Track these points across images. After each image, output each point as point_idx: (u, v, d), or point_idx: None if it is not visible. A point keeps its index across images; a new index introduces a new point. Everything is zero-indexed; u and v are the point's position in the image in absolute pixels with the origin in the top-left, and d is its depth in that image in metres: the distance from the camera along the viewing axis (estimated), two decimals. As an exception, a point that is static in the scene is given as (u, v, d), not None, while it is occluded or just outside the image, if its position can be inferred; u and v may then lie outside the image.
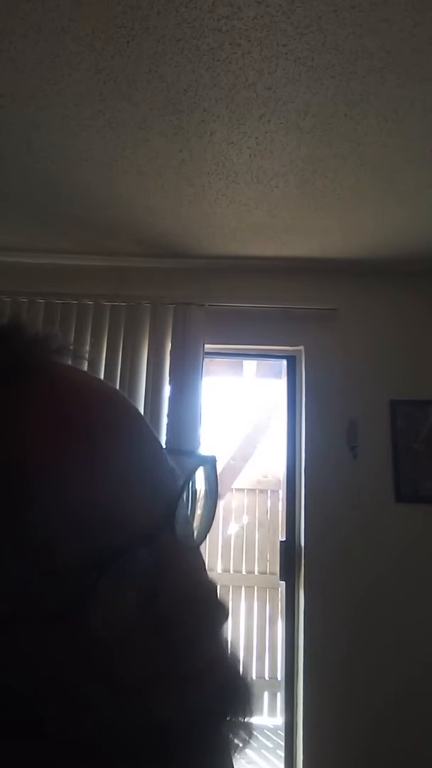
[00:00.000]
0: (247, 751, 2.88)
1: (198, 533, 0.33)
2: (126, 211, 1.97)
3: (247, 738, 0.30)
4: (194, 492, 0.33)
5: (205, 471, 0.34)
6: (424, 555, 2.13)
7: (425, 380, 2.27)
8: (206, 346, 2.26)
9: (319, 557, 2.15)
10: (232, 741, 0.30)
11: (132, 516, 0.27)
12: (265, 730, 3.16)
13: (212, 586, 0.30)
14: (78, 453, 0.26)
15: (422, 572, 2.12)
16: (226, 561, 3.77)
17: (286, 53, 1.22)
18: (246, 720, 0.30)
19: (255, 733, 3.06)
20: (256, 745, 2.99)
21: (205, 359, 2.26)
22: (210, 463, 0.34)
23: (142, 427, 0.31)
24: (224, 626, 0.31)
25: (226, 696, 0.29)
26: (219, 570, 3.74)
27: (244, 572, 3.73)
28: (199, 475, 0.33)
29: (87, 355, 2.13)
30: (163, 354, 2.23)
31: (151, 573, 0.27)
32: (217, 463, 0.34)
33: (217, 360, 2.84)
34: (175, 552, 0.28)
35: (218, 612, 0.29)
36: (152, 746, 0.27)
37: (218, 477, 0.34)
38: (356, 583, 2.11)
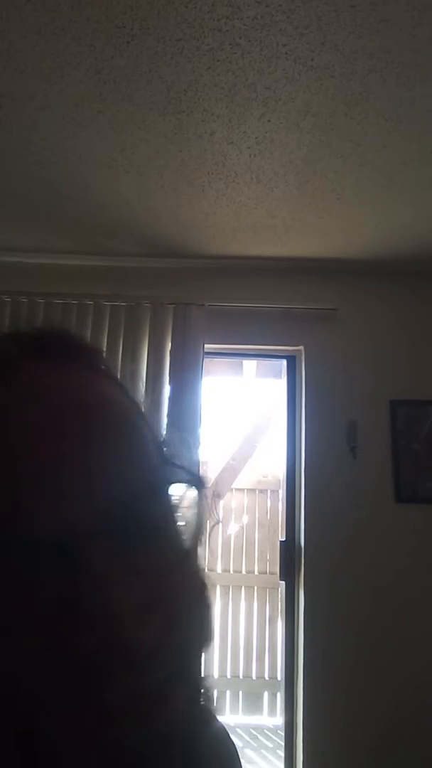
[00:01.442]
0: (247, 751, 2.88)
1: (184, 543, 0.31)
2: (126, 211, 1.97)
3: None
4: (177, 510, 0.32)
5: (193, 489, 0.32)
6: (423, 555, 2.13)
7: (425, 380, 2.27)
8: (206, 346, 2.26)
9: (319, 557, 2.15)
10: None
11: (46, 511, 0.25)
12: (265, 730, 3.16)
13: (139, 619, 0.25)
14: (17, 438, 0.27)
15: (422, 572, 2.12)
16: (226, 561, 3.77)
17: (286, 53, 1.22)
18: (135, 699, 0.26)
19: (255, 733, 3.05)
20: (256, 745, 3.00)
21: (205, 359, 2.26)
22: (196, 484, 0.32)
23: (112, 432, 0.30)
24: (156, 660, 0.26)
25: (161, 749, 0.26)
26: (219, 570, 3.74)
27: (244, 572, 3.73)
28: (186, 496, 0.32)
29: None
30: (163, 354, 2.23)
31: (64, 585, 0.25)
32: (204, 490, 0.32)
33: (217, 360, 2.84)
34: (101, 569, 0.25)
35: (140, 642, 0.25)
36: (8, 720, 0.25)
37: (204, 505, 0.32)
38: (356, 583, 2.11)
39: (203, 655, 0.34)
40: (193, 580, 0.31)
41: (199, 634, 0.31)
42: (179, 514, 0.31)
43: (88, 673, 0.24)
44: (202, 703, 0.31)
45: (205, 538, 0.32)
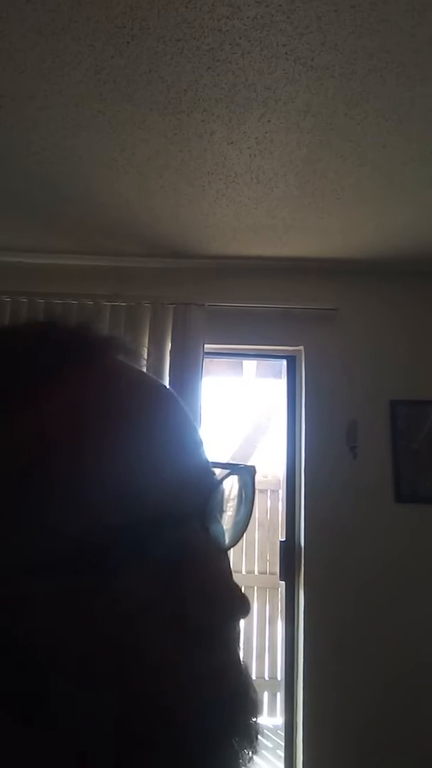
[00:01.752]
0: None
1: (230, 537, 0.33)
2: (126, 211, 1.97)
3: (252, 756, 0.29)
4: (229, 496, 0.33)
5: (242, 478, 0.34)
6: (423, 555, 2.13)
7: (425, 380, 2.27)
8: (206, 346, 2.26)
9: (318, 557, 2.15)
10: (243, 755, 0.29)
11: (159, 495, 0.27)
12: (265, 730, 3.16)
13: (235, 588, 0.29)
14: (115, 426, 0.28)
15: (422, 572, 2.12)
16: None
17: (286, 53, 1.22)
18: (255, 735, 0.29)
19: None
20: (256, 745, 2.99)
21: (205, 359, 2.26)
22: (249, 472, 0.34)
23: (183, 419, 0.32)
24: (239, 632, 0.30)
25: (240, 705, 0.29)
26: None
27: (244, 572, 3.73)
28: (236, 481, 0.34)
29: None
30: (163, 354, 2.23)
31: (174, 557, 0.27)
32: (254, 474, 0.35)
33: (217, 360, 2.84)
34: (202, 544, 0.28)
35: (237, 615, 0.29)
36: (168, 748, 0.26)
37: (255, 487, 0.34)
38: (356, 583, 2.11)
39: None
40: None
41: None
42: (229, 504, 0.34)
43: (195, 638, 0.27)
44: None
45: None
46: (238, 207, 1.91)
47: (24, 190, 1.86)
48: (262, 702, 3.40)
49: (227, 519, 0.33)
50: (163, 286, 2.32)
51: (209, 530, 0.29)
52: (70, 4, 1.11)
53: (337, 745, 2.01)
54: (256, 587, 3.69)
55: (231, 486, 0.33)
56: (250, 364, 3.19)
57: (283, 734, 2.17)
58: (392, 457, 2.20)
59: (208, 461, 0.32)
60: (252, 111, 1.41)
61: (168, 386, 0.34)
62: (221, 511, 0.32)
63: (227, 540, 0.33)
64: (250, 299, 2.30)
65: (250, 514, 0.34)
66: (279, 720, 3.00)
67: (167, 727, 0.26)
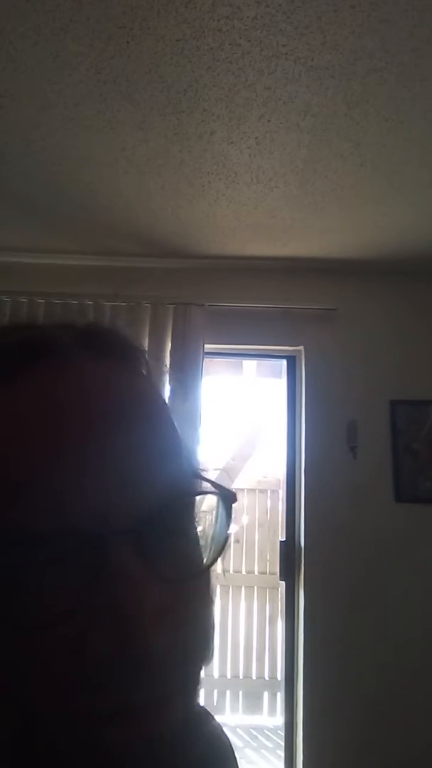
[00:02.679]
0: (247, 751, 2.88)
1: (208, 558, 0.31)
2: (126, 211, 1.97)
3: None
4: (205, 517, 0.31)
5: (220, 501, 0.31)
6: (423, 555, 2.13)
7: (425, 380, 2.27)
8: (206, 346, 2.26)
9: (318, 557, 2.15)
10: None
11: (78, 512, 0.25)
12: (265, 730, 3.16)
13: (141, 628, 0.24)
14: (44, 437, 0.27)
15: (422, 572, 2.12)
16: (226, 561, 3.76)
17: (286, 53, 1.22)
18: None
19: (255, 733, 3.05)
20: (256, 745, 3.00)
21: (205, 359, 2.26)
22: (226, 497, 0.31)
23: (141, 433, 0.29)
24: (163, 670, 0.25)
25: (155, 758, 0.25)
26: (219, 570, 3.74)
27: (244, 572, 3.73)
28: (214, 502, 0.31)
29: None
30: (163, 354, 2.23)
31: (89, 579, 0.24)
32: (234, 502, 0.31)
33: (217, 360, 2.84)
34: (124, 569, 0.25)
35: (152, 648, 0.24)
36: None
37: (231, 516, 0.31)
38: (356, 583, 2.11)
39: (203, 669, 0.34)
40: (207, 595, 0.31)
41: (203, 649, 0.31)
42: (201, 526, 0.31)
43: (95, 671, 0.24)
44: (197, 713, 0.30)
45: (226, 553, 0.31)
46: (238, 207, 1.91)
47: (24, 190, 1.86)
48: (260, 698, 3.40)
49: (207, 539, 0.31)
50: (163, 286, 2.32)
51: (147, 554, 0.26)
52: (70, 4, 1.11)
53: (337, 745, 2.01)
54: (256, 587, 3.69)
55: (206, 506, 0.31)
56: (250, 364, 3.19)
57: (283, 734, 2.17)
58: (392, 457, 2.20)
59: (176, 478, 0.29)
60: (252, 111, 1.41)
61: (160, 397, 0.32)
62: (177, 533, 0.29)
63: (198, 565, 0.30)
64: (250, 299, 2.30)
65: (224, 544, 0.30)
66: (279, 720, 3.00)
67: None
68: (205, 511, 0.31)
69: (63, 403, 0.28)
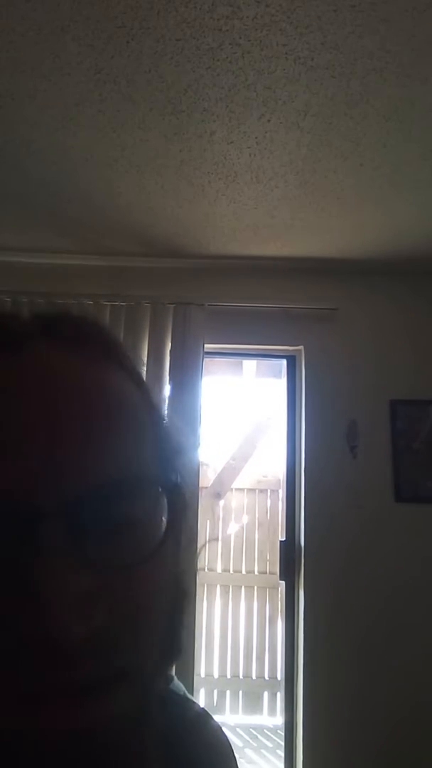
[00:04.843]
0: (247, 751, 2.88)
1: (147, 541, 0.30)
2: (126, 211, 1.97)
3: None
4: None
5: (163, 498, 0.30)
6: (423, 555, 2.13)
7: (425, 380, 2.27)
8: (206, 345, 2.26)
9: (318, 557, 2.15)
10: None
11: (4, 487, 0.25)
12: (265, 730, 3.16)
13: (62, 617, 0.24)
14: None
15: (422, 572, 2.12)
16: (226, 561, 3.77)
17: (286, 53, 1.22)
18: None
19: (255, 732, 3.05)
20: (256, 745, 3.00)
21: (205, 359, 2.26)
22: (170, 491, 0.30)
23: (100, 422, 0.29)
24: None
25: None
26: (219, 570, 3.74)
27: (244, 572, 3.73)
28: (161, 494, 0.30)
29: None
30: (163, 354, 2.23)
31: (21, 560, 0.25)
32: (182, 497, 0.31)
33: (217, 360, 2.84)
34: (52, 552, 0.25)
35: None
36: None
37: (178, 509, 0.31)
38: (356, 583, 2.11)
39: (171, 658, 0.33)
40: (160, 584, 0.30)
41: (164, 638, 0.30)
42: (160, 515, 0.30)
43: (14, 658, 0.24)
44: (144, 710, 0.29)
45: (194, 545, 0.30)
46: (238, 207, 1.91)
47: (24, 190, 1.86)
48: (260, 698, 3.40)
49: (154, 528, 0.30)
50: (163, 286, 2.32)
51: (77, 538, 0.25)
52: (70, 4, 1.11)
53: (337, 745, 2.01)
54: (256, 587, 3.69)
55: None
56: (250, 364, 3.18)
57: (283, 734, 2.17)
58: (392, 457, 2.20)
59: (121, 467, 0.29)
60: (252, 111, 1.41)
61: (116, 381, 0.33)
62: (115, 520, 0.28)
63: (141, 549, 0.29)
64: (250, 299, 2.30)
65: (165, 534, 0.29)
66: (279, 720, 3.00)
67: None
68: (154, 502, 0.30)
69: (5, 385, 0.28)
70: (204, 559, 3.65)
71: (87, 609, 0.25)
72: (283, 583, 2.24)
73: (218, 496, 3.80)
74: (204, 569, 3.62)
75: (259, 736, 3.09)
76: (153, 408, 0.35)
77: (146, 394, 0.35)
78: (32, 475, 0.26)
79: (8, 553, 0.25)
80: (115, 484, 0.28)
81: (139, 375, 0.36)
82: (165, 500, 0.30)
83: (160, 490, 0.30)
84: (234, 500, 3.88)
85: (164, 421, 0.36)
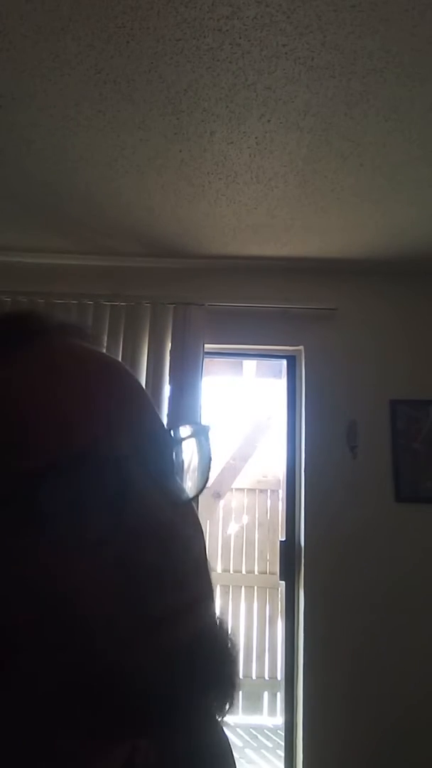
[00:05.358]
0: (247, 751, 2.88)
1: (191, 489, 0.34)
2: (126, 211, 1.97)
3: (229, 707, 0.28)
4: (188, 457, 0.34)
5: (197, 438, 0.35)
6: (424, 555, 2.13)
7: (425, 380, 2.27)
8: (206, 345, 2.26)
9: (318, 557, 2.15)
10: (216, 707, 0.28)
11: (86, 437, 0.28)
12: (265, 730, 3.16)
13: (185, 538, 0.29)
14: (47, 374, 0.30)
15: (422, 572, 2.12)
16: (226, 561, 3.77)
17: (286, 53, 1.22)
18: (229, 683, 0.28)
19: (255, 732, 3.04)
20: (256, 745, 3.00)
21: (205, 359, 2.26)
22: (203, 431, 0.36)
23: (137, 389, 0.34)
24: (197, 575, 0.30)
25: (205, 650, 0.28)
26: (219, 570, 3.74)
27: (243, 572, 3.73)
28: (191, 442, 0.35)
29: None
30: (163, 354, 2.23)
31: (117, 501, 0.27)
32: (209, 432, 0.36)
33: (217, 360, 2.84)
34: (147, 490, 0.28)
35: (186, 555, 0.29)
36: (126, 702, 0.26)
37: (210, 443, 0.36)
38: (356, 583, 2.11)
39: None
40: (198, 519, 0.34)
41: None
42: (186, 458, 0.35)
43: (140, 583, 0.27)
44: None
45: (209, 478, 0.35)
46: (238, 207, 1.91)
47: (24, 190, 1.86)
48: (260, 698, 3.40)
49: (190, 473, 0.34)
50: (163, 286, 2.32)
51: (155, 478, 0.29)
52: (70, 4, 1.11)
53: (337, 745, 2.01)
54: (256, 587, 3.69)
55: (189, 446, 0.35)
56: (250, 364, 3.19)
57: (283, 734, 2.17)
58: (392, 457, 2.20)
59: (160, 424, 0.34)
60: (252, 111, 1.41)
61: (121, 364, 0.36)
62: (175, 467, 0.33)
63: (188, 492, 0.33)
64: (250, 299, 2.30)
65: (208, 468, 0.35)
66: (279, 720, 3.00)
67: (122, 681, 0.26)
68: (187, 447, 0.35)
69: (64, 367, 0.31)
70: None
71: (188, 534, 0.31)
72: (283, 583, 2.24)
73: (218, 496, 3.80)
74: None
75: (259, 736, 3.09)
76: None
77: None
78: (117, 431, 0.30)
79: (111, 491, 0.27)
80: (161, 433, 0.34)
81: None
82: (199, 437, 0.36)
83: (193, 430, 0.36)
84: (234, 500, 3.88)
85: None
